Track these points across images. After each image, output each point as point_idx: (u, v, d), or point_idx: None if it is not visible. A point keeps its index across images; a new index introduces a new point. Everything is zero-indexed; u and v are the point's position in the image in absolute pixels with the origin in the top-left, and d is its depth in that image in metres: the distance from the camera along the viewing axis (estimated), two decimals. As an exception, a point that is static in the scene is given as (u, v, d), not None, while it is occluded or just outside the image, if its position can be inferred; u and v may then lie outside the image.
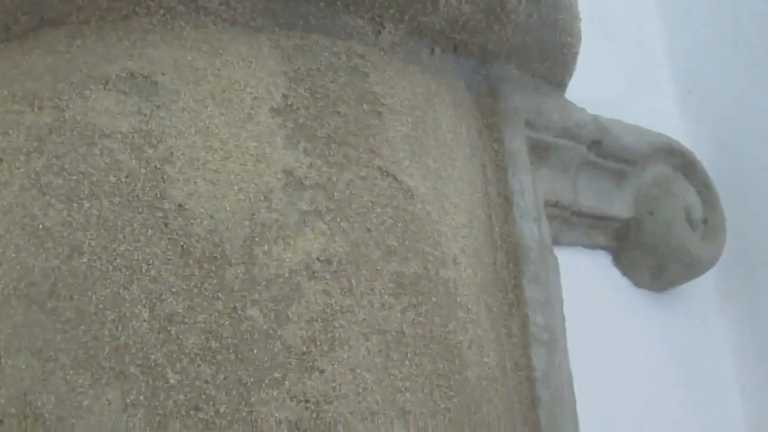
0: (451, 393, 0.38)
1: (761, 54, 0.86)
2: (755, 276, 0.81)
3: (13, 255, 0.35)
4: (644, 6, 0.86)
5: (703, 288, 0.79)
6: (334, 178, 0.38)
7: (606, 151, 0.63)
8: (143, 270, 0.34)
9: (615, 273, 0.73)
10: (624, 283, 0.74)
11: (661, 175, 0.69)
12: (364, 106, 0.41)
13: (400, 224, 0.40)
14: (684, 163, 0.71)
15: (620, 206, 0.67)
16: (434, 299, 0.40)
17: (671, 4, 0.88)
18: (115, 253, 0.34)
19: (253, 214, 0.36)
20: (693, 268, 0.69)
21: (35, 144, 0.36)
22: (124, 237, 0.34)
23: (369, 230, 0.39)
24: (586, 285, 0.68)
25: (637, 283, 0.71)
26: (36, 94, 0.37)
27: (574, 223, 0.63)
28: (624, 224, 0.68)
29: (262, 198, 0.36)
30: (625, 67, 0.79)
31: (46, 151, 0.36)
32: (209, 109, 0.37)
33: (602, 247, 0.70)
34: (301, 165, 0.38)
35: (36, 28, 0.39)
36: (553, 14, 0.46)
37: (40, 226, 0.35)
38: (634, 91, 0.78)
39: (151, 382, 0.32)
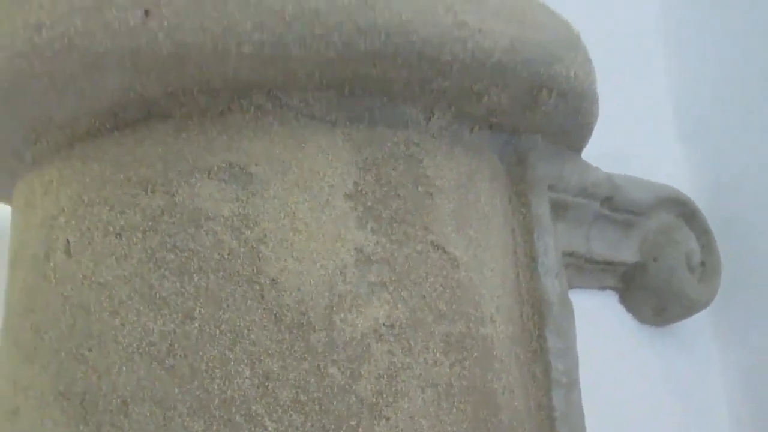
0: (489, 435, 0.46)
1: (761, 103, 0.93)
2: (747, 309, 0.89)
3: (135, 318, 0.42)
4: (651, 59, 0.93)
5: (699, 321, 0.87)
6: (396, 254, 0.46)
7: (617, 206, 0.70)
8: (244, 334, 0.41)
9: (621, 309, 0.81)
10: (628, 317, 0.82)
11: (665, 224, 0.76)
12: (419, 188, 0.48)
13: (448, 291, 0.47)
14: (686, 212, 0.79)
15: (627, 252, 0.74)
16: (476, 354, 0.47)
17: (678, 58, 0.96)
18: (220, 320, 0.41)
19: (332, 287, 0.43)
20: (691, 309, 0.77)
21: (150, 223, 0.44)
22: (228, 306, 0.42)
23: (424, 297, 0.46)
24: (595, 319, 0.76)
25: (641, 319, 0.79)
26: (149, 179, 0.44)
27: (587, 269, 0.71)
28: (630, 268, 0.75)
29: (339, 272, 0.44)
30: (630, 117, 0.86)
31: (160, 230, 0.43)
32: (294, 196, 0.44)
33: (610, 288, 0.77)
34: (369, 243, 0.45)
35: (145, 118, 0.46)
36: (578, 103, 0.53)
37: (157, 295, 0.42)
38: (639, 139, 0.86)
39: (252, 429, 0.40)
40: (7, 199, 0.60)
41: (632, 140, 0.86)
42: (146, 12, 0.39)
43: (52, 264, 0.47)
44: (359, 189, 0.46)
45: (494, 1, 0.44)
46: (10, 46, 0.42)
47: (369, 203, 0.46)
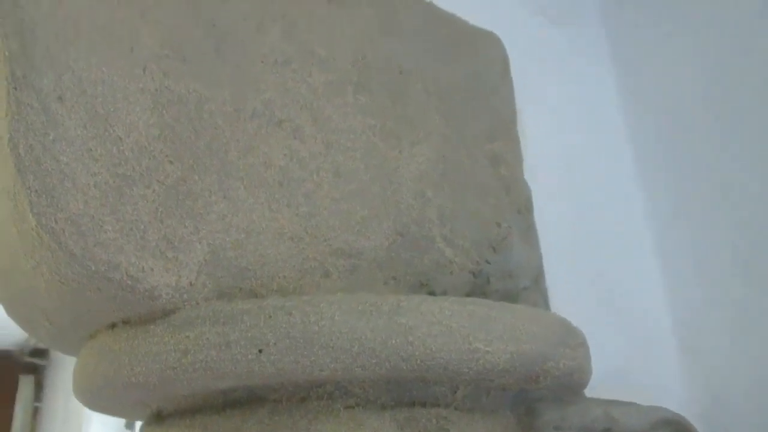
0: None
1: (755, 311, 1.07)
2: None
3: None
4: (648, 279, 1.09)
5: None
6: None
7: (615, 433, 0.84)
8: None
9: None
10: None
11: (661, 443, 0.89)
12: (446, 455, 0.64)
13: None
14: (678, 430, 0.92)
15: (628, 470, 0.87)
16: None
17: (672, 270, 1.12)
18: None
19: None
20: None
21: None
22: None
23: None
24: None
25: None
26: (252, 452, 0.62)
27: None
28: (632, 483, 0.88)
29: None
30: (628, 334, 1.02)
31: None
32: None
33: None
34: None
35: (247, 400, 0.64)
36: (570, 379, 0.70)
37: None
38: (637, 354, 1.00)
39: None
40: None
41: (631, 354, 1.00)
42: (260, 350, 0.58)
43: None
44: (400, 461, 0.62)
45: (499, 327, 0.62)
46: (164, 362, 0.61)
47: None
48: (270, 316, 0.59)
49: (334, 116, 0.79)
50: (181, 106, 0.67)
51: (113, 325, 0.67)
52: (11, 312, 0.75)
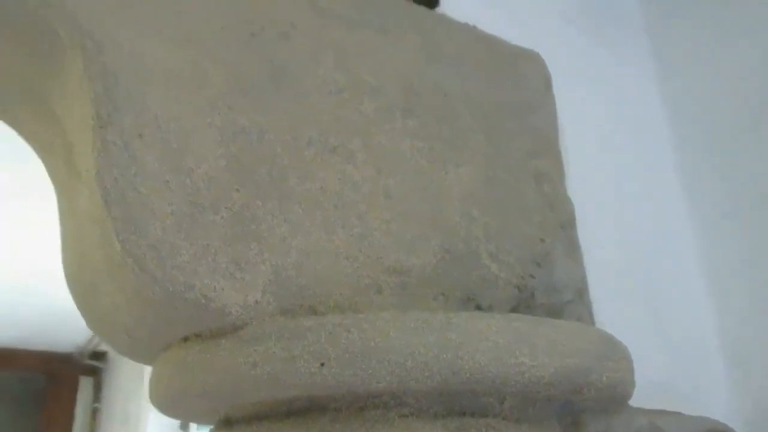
0: None
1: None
2: None
3: None
4: (694, 292, 1.11)
5: None
6: None
7: (661, 444, 0.87)
8: None
9: None
10: None
11: (708, 453, 0.91)
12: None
13: None
14: (726, 440, 0.93)
15: (674, 479, 0.89)
16: None
17: (719, 283, 1.13)
18: None
19: None
20: None
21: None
22: None
23: None
24: None
25: None
26: (314, 457, 0.67)
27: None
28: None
29: None
30: (674, 347, 1.03)
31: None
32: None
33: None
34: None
35: (308, 408, 0.70)
36: (614, 391, 0.73)
37: None
38: (684, 367, 1.02)
39: None
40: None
41: (677, 366, 1.02)
42: (322, 364, 0.63)
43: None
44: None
45: (543, 342, 0.66)
46: (235, 374, 0.67)
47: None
48: (330, 333, 0.64)
49: (384, 141, 0.84)
50: (244, 138, 0.73)
51: (186, 339, 0.73)
52: (93, 326, 0.83)
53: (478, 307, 0.82)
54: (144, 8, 0.73)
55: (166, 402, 0.75)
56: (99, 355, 5.62)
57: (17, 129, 0.86)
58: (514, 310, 0.85)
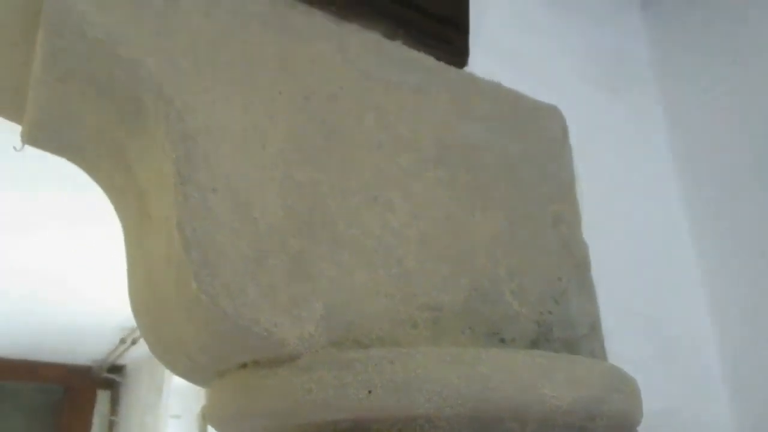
0: None
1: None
2: None
3: None
4: (700, 328, 1.19)
5: None
6: None
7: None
8: None
9: None
10: None
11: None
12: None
13: None
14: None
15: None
16: None
17: (723, 320, 1.21)
18: None
19: None
20: None
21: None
22: None
23: None
24: None
25: None
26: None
27: None
28: None
29: None
30: (680, 379, 1.12)
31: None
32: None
33: None
34: None
35: (353, 429, 0.79)
36: (623, 420, 0.82)
37: None
38: (689, 397, 1.10)
39: None
40: None
41: (683, 397, 1.10)
42: (369, 391, 0.73)
43: None
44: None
45: (562, 376, 0.76)
46: (292, 398, 0.76)
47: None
48: (376, 364, 0.74)
49: (419, 190, 0.94)
50: (300, 190, 0.84)
51: (244, 365, 0.83)
52: (156, 350, 0.93)
53: (502, 341, 0.92)
54: (216, 78, 0.84)
55: (225, 420, 0.85)
56: (117, 369, 5.74)
57: (93, 174, 0.98)
58: (534, 342, 0.95)
